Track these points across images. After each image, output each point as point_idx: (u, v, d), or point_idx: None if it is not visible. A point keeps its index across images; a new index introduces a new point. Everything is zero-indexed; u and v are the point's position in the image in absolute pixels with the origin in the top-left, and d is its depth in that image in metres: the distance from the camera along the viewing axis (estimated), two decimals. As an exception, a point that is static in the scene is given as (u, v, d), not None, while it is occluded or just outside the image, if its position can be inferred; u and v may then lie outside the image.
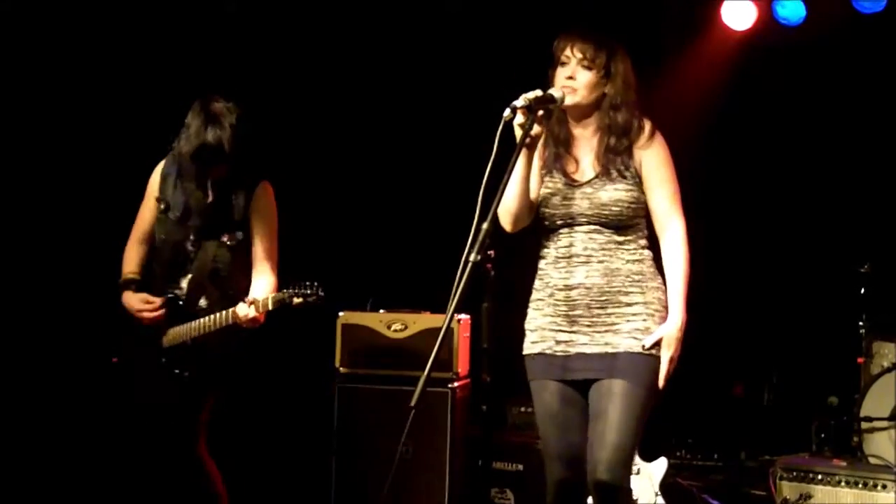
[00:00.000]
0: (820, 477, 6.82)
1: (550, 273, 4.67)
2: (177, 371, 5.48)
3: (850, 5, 7.82)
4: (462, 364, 7.07)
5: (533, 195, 4.64)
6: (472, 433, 7.03)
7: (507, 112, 4.33)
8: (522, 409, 7.17)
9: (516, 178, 4.47)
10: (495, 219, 4.19)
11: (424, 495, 6.87)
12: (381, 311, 7.24)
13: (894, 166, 8.02)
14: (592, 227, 4.60)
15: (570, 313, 4.61)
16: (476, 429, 7.00)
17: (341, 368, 7.15)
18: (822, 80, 8.30)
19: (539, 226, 4.73)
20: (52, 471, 6.80)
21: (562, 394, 4.65)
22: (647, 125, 4.67)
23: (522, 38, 7.79)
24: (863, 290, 7.73)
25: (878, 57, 8.02)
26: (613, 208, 4.59)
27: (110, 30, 7.20)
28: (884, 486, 6.63)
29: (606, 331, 4.58)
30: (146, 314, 5.52)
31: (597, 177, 4.62)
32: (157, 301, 5.54)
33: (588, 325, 4.59)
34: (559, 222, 4.64)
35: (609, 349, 4.56)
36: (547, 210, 4.65)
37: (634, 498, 6.50)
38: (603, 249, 4.61)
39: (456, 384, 6.97)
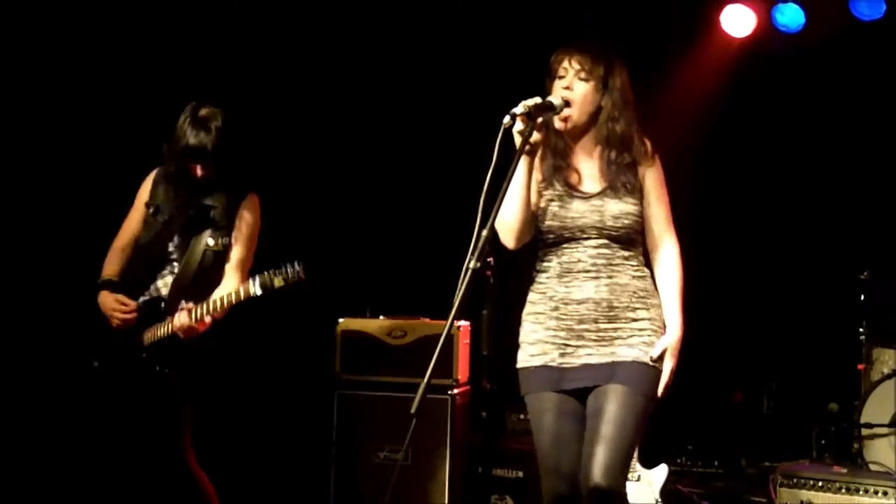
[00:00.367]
0: (820, 484, 6.82)
1: (554, 287, 4.63)
2: (157, 368, 5.49)
3: (849, 12, 7.83)
4: (462, 371, 7.07)
5: (533, 207, 4.62)
6: (472, 440, 7.03)
7: (506, 119, 4.32)
8: (522, 416, 7.16)
9: (516, 186, 4.45)
10: (495, 227, 4.19)
11: (424, 502, 6.86)
12: (381, 317, 7.24)
13: (893, 173, 8.02)
14: (600, 241, 4.59)
15: (577, 327, 4.58)
16: (476, 436, 7.01)
17: (341, 375, 7.14)
18: (822, 87, 8.31)
19: (538, 238, 4.70)
20: (40, 478, 6.77)
21: (559, 406, 4.62)
22: (649, 144, 4.68)
23: (522, 46, 7.80)
24: (863, 297, 7.72)
25: (877, 64, 8.02)
26: (625, 221, 4.58)
27: (101, 38, 7.17)
28: (885, 493, 6.62)
29: (613, 342, 4.57)
30: (118, 314, 5.53)
31: (604, 190, 4.62)
32: (132, 304, 5.56)
33: (595, 340, 4.58)
34: (566, 234, 4.60)
35: (614, 358, 4.56)
36: (551, 223, 4.61)
37: (634, 505, 6.51)
38: (611, 264, 4.60)
39: (456, 391, 6.96)
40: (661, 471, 6.65)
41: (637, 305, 4.60)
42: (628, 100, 4.66)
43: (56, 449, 6.73)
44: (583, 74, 4.61)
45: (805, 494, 6.82)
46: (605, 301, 4.57)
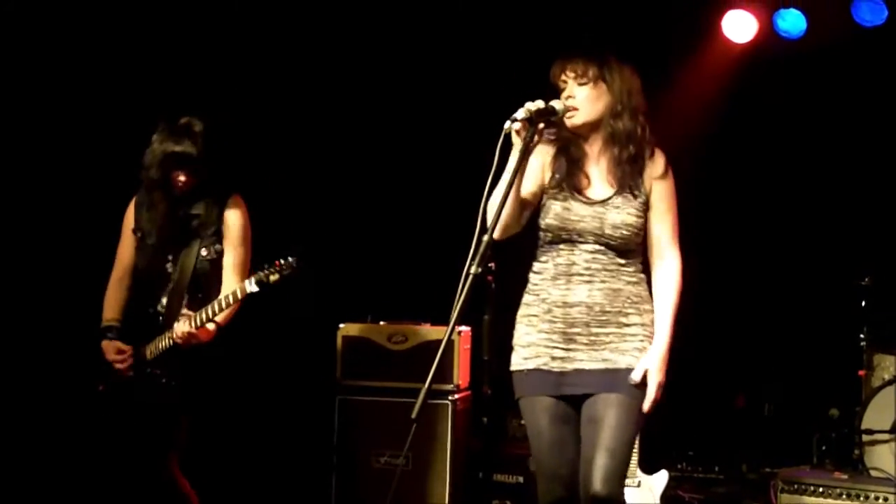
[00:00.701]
0: (821, 490, 6.82)
1: (548, 289, 4.64)
2: (163, 380, 5.49)
3: (851, 18, 7.82)
4: (463, 376, 7.08)
5: (527, 194, 4.62)
6: (472, 445, 7.04)
7: (507, 124, 4.32)
8: (523, 421, 7.14)
9: (508, 185, 4.40)
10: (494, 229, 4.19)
11: (425, 507, 6.88)
12: (382, 322, 7.24)
13: (894, 178, 8.02)
14: (597, 246, 4.59)
15: (568, 330, 4.58)
16: (477, 441, 7.01)
17: (342, 380, 7.14)
18: (823, 93, 8.30)
19: (535, 240, 4.71)
20: (32, 482, 6.77)
21: (554, 411, 4.61)
22: (662, 160, 4.68)
23: (522, 51, 7.81)
24: (864, 303, 7.72)
25: (879, 70, 8.02)
26: (624, 231, 4.58)
27: (73, 48, 7.16)
28: (885, 499, 6.63)
29: (604, 348, 4.56)
30: (118, 365, 5.56)
31: (612, 197, 4.62)
32: (129, 350, 5.57)
33: (586, 344, 4.57)
34: (563, 235, 4.62)
35: (609, 365, 4.55)
36: (551, 221, 4.63)
37: (635, 510, 6.51)
38: (605, 270, 4.59)
39: (456, 396, 6.97)
40: (662, 476, 6.65)
41: (630, 311, 4.60)
42: (631, 91, 4.66)
43: (52, 456, 6.73)
44: (580, 79, 4.62)
45: (806, 500, 6.83)
46: (598, 305, 4.57)
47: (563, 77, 4.65)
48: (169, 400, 5.49)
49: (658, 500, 6.61)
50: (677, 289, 4.64)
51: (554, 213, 4.63)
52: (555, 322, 4.60)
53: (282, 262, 5.24)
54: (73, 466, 6.44)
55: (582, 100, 4.61)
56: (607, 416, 4.50)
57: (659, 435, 6.94)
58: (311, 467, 7.26)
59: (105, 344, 5.61)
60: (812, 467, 7.51)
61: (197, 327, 5.36)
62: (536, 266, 4.71)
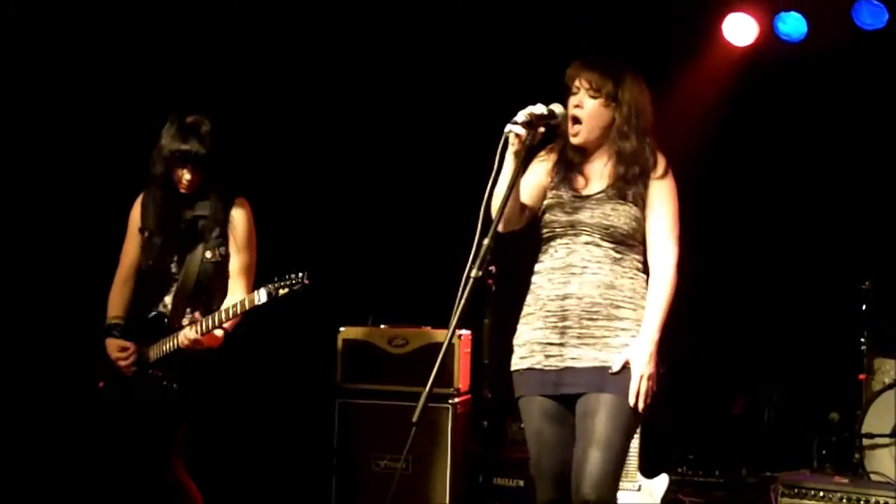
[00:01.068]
0: (821, 494, 6.81)
1: (543, 285, 4.65)
2: (164, 383, 5.49)
3: (852, 21, 7.82)
4: (463, 380, 7.07)
5: (527, 199, 4.63)
6: (472, 449, 7.03)
7: (508, 127, 4.33)
8: (523, 425, 7.14)
9: (507, 186, 4.42)
10: (496, 235, 4.19)
11: (425, 511, 6.87)
12: (382, 326, 7.24)
13: (894, 182, 8.02)
14: (591, 238, 4.59)
15: (560, 324, 4.58)
16: (477, 444, 7.00)
17: (342, 383, 7.14)
18: (824, 96, 8.31)
19: (538, 239, 4.71)
20: (32, 484, 6.76)
21: (548, 411, 4.61)
22: (662, 163, 4.68)
23: (522, 56, 7.83)
24: (864, 307, 7.72)
25: (880, 73, 8.02)
26: (615, 220, 4.58)
27: (81, 48, 7.16)
28: (885, 504, 6.63)
29: (595, 344, 4.55)
30: (121, 363, 5.55)
31: (603, 190, 4.62)
32: (132, 347, 5.56)
33: (577, 338, 4.56)
34: (559, 230, 4.63)
35: (599, 363, 4.54)
36: (549, 218, 4.65)
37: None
38: (599, 262, 4.59)
39: (457, 400, 6.96)
40: (662, 480, 6.64)
41: (623, 305, 4.58)
42: (641, 112, 4.66)
43: (53, 457, 6.73)
44: (592, 92, 4.63)
45: (806, 504, 6.83)
46: (588, 297, 4.56)
47: (577, 83, 4.65)
48: (169, 402, 5.48)
49: (658, 504, 6.62)
50: (668, 281, 4.58)
51: (550, 211, 4.65)
52: (549, 317, 4.60)
53: (292, 276, 5.24)
54: (74, 466, 6.43)
55: (588, 113, 4.62)
56: (598, 417, 4.49)
57: (659, 439, 6.95)
58: (311, 470, 7.25)
59: (109, 341, 5.59)
60: (812, 471, 7.51)
61: (203, 334, 5.35)
62: (536, 266, 4.73)
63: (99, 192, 6.93)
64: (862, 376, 7.72)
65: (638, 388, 4.47)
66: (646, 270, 4.68)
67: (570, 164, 4.69)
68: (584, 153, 4.69)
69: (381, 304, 7.42)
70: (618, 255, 4.62)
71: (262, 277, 5.39)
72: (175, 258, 5.57)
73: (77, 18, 7.04)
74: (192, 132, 5.41)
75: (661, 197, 4.65)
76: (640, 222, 4.63)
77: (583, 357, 4.54)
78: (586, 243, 4.60)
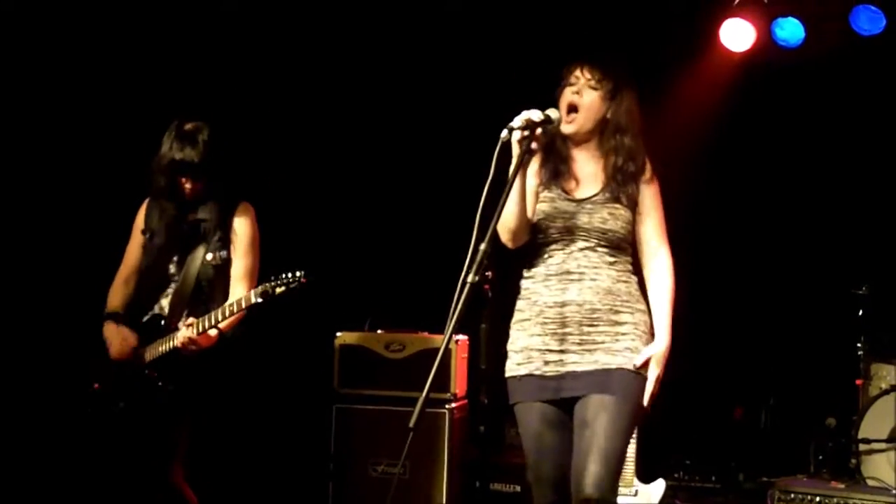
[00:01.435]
0: (818, 499, 6.82)
1: (539, 291, 4.65)
2: (160, 384, 5.48)
3: (849, 27, 7.83)
4: (460, 385, 7.07)
5: (530, 211, 4.64)
6: (469, 454, 7.02)
7: (504, 133, 4.34)
8: (519, 430, 7.16)
9: (514, 195, 4.47)
10: (493, 239, 4.19)
11: (422, 516, 6.87)
12: (379, 331, 7.23)
13: (891, 188, 8.02)
14: (587, 244, 4.60)
15: (560, 331, 4.58)
16: (474, 450, 7.00)
17: (339, 389, 7.13)
18: (821, 102, 8.31)
19: (529, 243, 4.71)
20: (31, 489, 6.76)
21: (547, 416, 4.62)
22: (650, 167, 4.73)
23: (520, 61, 7.83)
24: (861, 312, 7.72)
25: (877, 79, 8.03)
26: (611, 225, 4.59)
27: (84, 53, 7.17)
28: (882, 509, 6.63)
29: (596, 349, 4.56)
30: (117, 346, 5.54)
31: (598, 194, 4.63)
32: (130, 338, 5.56)
33: (578, 343, 4.57)
34: (554, 235, 4.63)
35: (601, 366, 4.55)
36: (544, 224, 4.64)
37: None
38: (596, 268, 4.61)
39: (454, 405, 6.96)
40: (659, 486, 6.64)
41: (622, 309, 4.60)
42: (635, 117, 4.70)
43: (50, 462, 6.72)
44: (593, 83, 4.66)
45: (803, 509, 6.83)
46: (588, 303, 4.58)
47: (577, 74, 4.67)
48: (164, 403, 5.48)
49: (655, 510, 6.61)
50: (672, 284, 4.68)
51: (543, 215, 4.65)
52: (547, 324, 4.61)
53: (289, 275, 5.24)
54: (70, 468, 6.43)
55: (587, 103, 4.64)
56: (599, 419, 4.50)
57: (656, 444, 6.95)
58: (308, 475, 7.25)
59: (107, 327, 5.60)
60: (809, 477, 7.51)
61: (199, 334, 5.35)
62: (527, 272, 4.72)
63: (99, 195, 6.95)
64: (859, 381, 7.72)
65: (654, 392, 4.56)
66: (635, 272, 4.70)
67: (559, 159, 4.68)
68: (573, 145, 4.69)
69: (378, 309, 7.42)
70: (612, 260, 4.63)
71: (261, 281, 5.39)
72: (175, 259, 5.58)
73: (84, 20, 7.09)
74: (188, 140, 5.42)
75: (652, 201, 4.70)
76: (632, 225, 4.66)
77: (584, 361, 4.55)
78: (582, 249, 4.61)
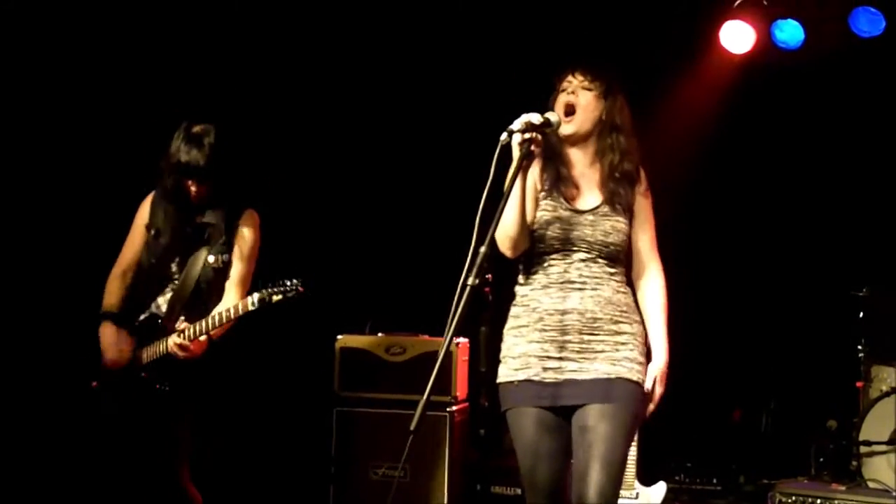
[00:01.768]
0: (819, 501, 6.82)
1: (539, 298, 4.63)
2: (157, 386, 5.48)
3: (849, 29, 7.82)
4: (460, 388, 7.06)
5: (530, 217, 4.63)
6: (470, 457, 7.02)
7: (503, 136, 4.33)
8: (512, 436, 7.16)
9: (514, 200, 4.46)
10: (493, 243, 4.19)
11: (422, 519, 6.87)
12: (380, 334, 7.23)
13: (891, 190, 8.03)
14: (588, 255, 4.60)
15: (560, 338, 4.57)
16: (474, 453, 7.00)
17: (339, 392, 7.13)
18: (821, 104, 8.31)
19: (527, 250, 4.70)
20: (34, 493, 6.76)
21: (544, 422, 4.60)
22: (644, 177, 4.74)
23: (518, 65, 7.83)
24: (861, 315, 7.72)
25: (877, 80, 8.03)
26: (614, 238, 4.60)
27: (93, 53, 7.18)
28: (883, 511, 6.63)
29: (596, 357, 4.56)
30: (113, 349, 5.54)
31: (600, 205, 4.63)
32: (128, 340, 5.56)
33: (577, 352, 4.56)
34: (556, 245, 4.62)
35: (602, 375, 4.54)
36: (545, 233, 4.63)
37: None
38: (597, 278, 4.60)
39: (454, 408, 6.96)
40: (660, 488, 6.64)
41: (621, 319, 4.60)
42: (627, 118, 4.71)
43: (52, 465, 6.71)
44: (586, 84, 4.66)
45: (804, 512, 6.83)
46: (589, 312, 4.57)
47: (570, 78, 4.68)
48: (160, 404, 5.47)
49: (656, 512, 6.61)
50: (665, 299, 4.70)
51: (545, 223, 4.63)
52: (547, 331, 4.59)
53: (286, 282, 5.24)
54: (68, 469, 6.43)
55: (584, 103, 4.64)
56: (600, 427, 4.49)
57: (657, 446, 6.94)
58: (308, 479, 7.25)
59: (104, 329, 5.59)
60: (810, 479, 7.50)
61: (190, 340, 5.35)
62: (524, 278, 4.70)
63: (98, 193, 6.95)
64: (859, 384, 7.72)
65: (657, 403, 4.58)
66: (629, 283, 4.70)
67: (558, 169, 4.68)
68: (571, 147, 4.69)
69: (378, 312, 7.41)
70: (613, 271, 4.63)
71: (256, 287, 5.39)
72: (177, 260, 5.57)
73: (93, 22, 7.11)
74: (195, 143, 5.41)
75: (646, 211, 4.72)
76: (628, 235, 4.67)
77: (584, 370, 4.54)
78: (584, 260, 4.60)
